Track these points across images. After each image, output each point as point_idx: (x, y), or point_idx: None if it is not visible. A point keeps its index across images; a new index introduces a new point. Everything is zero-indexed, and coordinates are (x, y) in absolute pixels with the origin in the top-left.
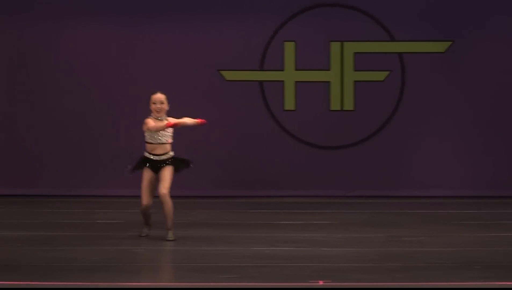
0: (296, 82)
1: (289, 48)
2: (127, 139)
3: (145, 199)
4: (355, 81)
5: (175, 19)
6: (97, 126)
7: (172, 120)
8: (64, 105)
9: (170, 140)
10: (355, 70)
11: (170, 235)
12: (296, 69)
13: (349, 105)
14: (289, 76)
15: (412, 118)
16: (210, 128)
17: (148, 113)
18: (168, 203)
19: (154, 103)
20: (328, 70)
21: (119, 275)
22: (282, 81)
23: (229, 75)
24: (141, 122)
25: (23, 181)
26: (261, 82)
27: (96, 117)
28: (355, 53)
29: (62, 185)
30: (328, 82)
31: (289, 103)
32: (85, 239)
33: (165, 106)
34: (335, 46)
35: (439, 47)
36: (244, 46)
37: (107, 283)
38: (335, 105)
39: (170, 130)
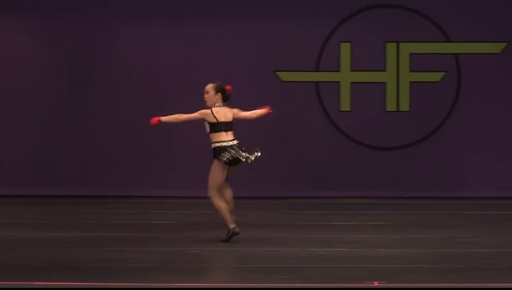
0: (352, 83)
1: (345, 49)
2: (182, 140)
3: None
4: (411, 82)
5: (231, 20)
6: (152, 127)
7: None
8: (120, 106)
9: (207, 130)
10: (411, 71)
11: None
12: (352, 70)
13: (404, 106)
14: (345, 77)
15: (467, 119)
16: (265, 129)
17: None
18: (222, 201)
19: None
20: (384, 71)
21: (175, 276)
22: (338, 82)
23: (285, 76)
24: (196, 124)
25: (78, 182)
26: (317, 83)
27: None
28: (411, 54)
29: (116, 186)
30: (384, 83)
31: (345, 104)
32: (140, 240)
33: (210, 96)
34: (391, 47)
35: (495, 48)
36: (300, 47)
37: (163, 284)
38: (390, 106)
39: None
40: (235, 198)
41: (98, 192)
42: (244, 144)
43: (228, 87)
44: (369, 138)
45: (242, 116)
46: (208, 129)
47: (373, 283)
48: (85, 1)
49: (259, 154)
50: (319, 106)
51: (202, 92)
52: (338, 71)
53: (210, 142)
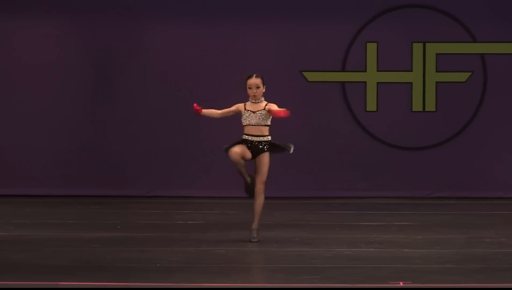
0: (378, 83)
1: (371, 49)
2: (208, 140)
3: (236, 151)
4: (437, 82)
5: (257, 20)
6: (178, 127)
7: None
8: (146, 106)
9: (267, 122)
10: (437, 71)
11: (255, 235)
12: (378, 70)
13: (430, 106)
14: (371, 77)
15: (493, 119)
16: (291, 129)
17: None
18: (260, 198)
19: (250, 88)
20: (410, 71)
21: (200, 276)
22: (364, 82)
23: (311, 76)
24: (222, 123)
25: (104, 182)
26: (343, 83)
27: (177, 118)
28: (437, 54)
29: (142, 186)
30: (410, 83)
31: (371, 104)
32: (166, 240)
33: (261, 90)
34: (417, 47)
35: None
36: (326, 47)
37: (188, 284)
38: (416, 106)
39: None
40: (265, 198)
41: (124, 192)
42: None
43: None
44: (395, 138)
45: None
46: (270, 122)
47: (399, 283)
48: (112, 1)
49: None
50: (345, 106)
51: (228, 92)
52: (365, 71)
53: (264, 134)
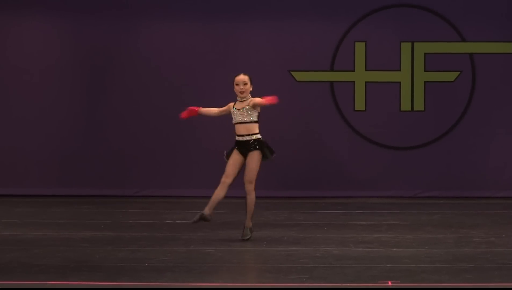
0: (367, 82)
1: (360, 49)
2: (199, 140)
3: (229, 177)
4: (426, 82)
5: (245, 19)
6: (171, 126)
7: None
8: (139, 105)
9: (253, 119)
10: (426, 71)
11: (247, 233)
12: (367, 70)
13: (419, 105)
14: (360, 76)
15: (482, 119)
16: (280, 129)
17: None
18: (250, 197)
19: (237, 84)
20: (399, 70)
21: (189, 275)
22: (353, 82)
23: (299, 75)
24: (217, 122)
25: (94, 182)
26: (331, 83)
27: (170, 118)
28: (426, 53)
29: (132, 186)
30: (399, 82)
31: (360, 104)
32: (156, 239)
33: (248, 87)
34: (405, 47)
35: (510, 47)
36: (315, 46)
37: (177, 284)
38: (405, 105)
39: (248, 107)
40: (256, 197)
41: (114, 192)
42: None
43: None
44: (384, 137)
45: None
46: (256, 118)
47: (388, 283)
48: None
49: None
50: (334, 105)
51: (220, 90)
52: (353, 71)
53: (251, 133)
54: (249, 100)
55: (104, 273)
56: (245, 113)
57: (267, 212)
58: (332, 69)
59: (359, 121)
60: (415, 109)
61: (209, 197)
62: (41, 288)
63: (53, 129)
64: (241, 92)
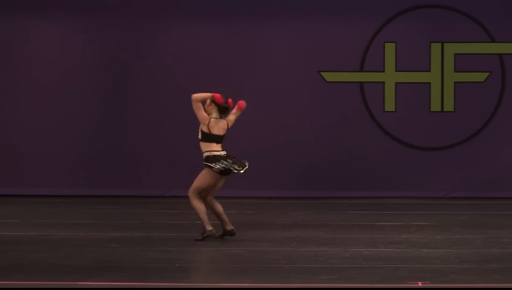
0: (396, 83)
1: (390, 49)
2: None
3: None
4: (455, 82)
5: (275, 21)
6: (195, 127)
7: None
8: (162, 106)
9: (199, 136)
10: (455, 71)
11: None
12: (397, 70)
13: (449, 106)
14: (390, 77)
15: (511, 119)
16: (309, 129)
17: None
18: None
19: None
20: (429, 71)
21: (217, 276)
22: (383, 82)
23: (329, 76)
24: (241, 123)
25: (122, 182)
26: (361, 83)
27: (193, 118)
28: (455, 54)
29: (160, 186)
30: (428, 83)
31: (389, 104)
32: (184, 240)
33: (207, 105)
34: (435, 47)
35: None
36: (345, 47)
37: (206, 284)
38: (435, 106)
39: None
40: (282, 198)
41: (143, 193)
42: (289, 146)
43: (229, 100)
44: (413, 138)
45: (232, 119)
46: (200, 136)
47: (417, 283)
48: (127, 2)
49: (247, 166)
50: (364, 106)
51: (247, 93)
52: (383, 72)
53: (201, 150)
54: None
55: (133, 273)
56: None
57: (296, 213)
58: (362, 70)
59: (388, 121)
60: (445, 109)
61: (235, 198)
62: (70, 288)
63: (79, 130)
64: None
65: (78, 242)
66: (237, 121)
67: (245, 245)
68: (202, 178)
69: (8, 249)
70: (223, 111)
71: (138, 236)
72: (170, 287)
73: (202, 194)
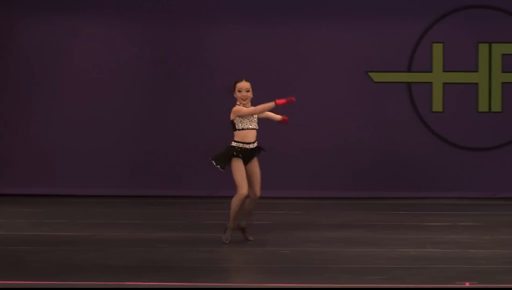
0: (444, 83)
1: (437, 50)
2: (270, 140)
3: (245, 188)
4: (503, 83)
5: (322, 21)
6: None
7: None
8: (203, 107)
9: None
10: (503, 72)
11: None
12: (444, 71)
13: (496, 106)
14: (437, 77)
15: None
16: (356, 129)
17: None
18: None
19: (239, 91)
20: (476, 71)
21: (266, 276)
22: (430, 83)
23: (377, 76)
24: (286, 125)
25: (169, 182)
26: (409, 84)
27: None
28: (503, 54)
29: (207, 186)
30: (476, 83)
31: (437, 105)
32: (232, 240)
33: (251, 94)
34: (483, 48)
35: None
36: (392, 47)
37: (252, 284)
38: (482, 106)
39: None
40: (330, 198)
41: (189, 193)
42: (336, 146)
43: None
44: (461, 138)
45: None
46: (257, 125)
47: (465, 284)
48: (173, 2)
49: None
50: (411, 106)
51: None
52: (431, 72)
53: (256, 140)
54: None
55: (180, 273)
56: (255, 119)
57: (344, 213)
58: (409, 70)
59: (436, 122)
60: (492, 110)
61: (283, 198)
62: (117, 288)
63: (126, 130)
64: (244, 99)
65: (125, 242)
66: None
67: (292, 245)
68: None
69: (57, 250)
70: None
71: (186, 236)
72: (215, 287)
73: (245, 192)
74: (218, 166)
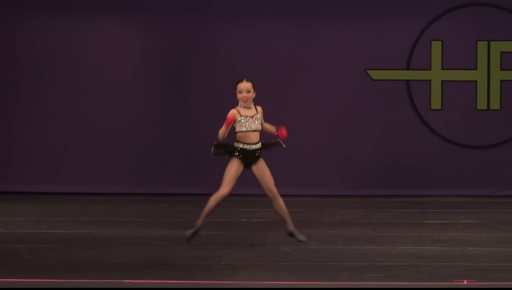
0: (443, 81)
1: (436, 47)
2: (269, 139)
3: (228, 187)
4: (502, 81)
5: (321, 20)
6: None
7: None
8: (219, 105)
9: (259, 127)
10: (502, 70)
11: (300, 235)
12: (443, 68)
13: (495, 104)
14: (436, 75)
15: None
16: (355, 127)
17: (235, 103)
18: (279, 200)
19: (240, 92)
20: (475, 69)
21: (265, 274)
22: (429, 81)
23: (376, 74)
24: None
25: (169, 180)
26: (407, 82)
27: None
28: (502, 52)
29: (207, 184)
30: (475, 81)
31: (436, 103)
32: (231, 238)
33: (252, 95)
34: (481, 46)
35: None
36: (391, 45)
37: (252, 282)
38: (481, 104)
39: (260, 115)
40: (330, 196)
41: (190, 190)
42: (334, 143)
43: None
44: (459, 136)
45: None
46: (260, 126)
47: (463, 282)
48: (181, 2)
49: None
50: (410, 104)
51: (295, 92)
52: (429, 70)
53: (258, 140)
54: (258, 109)
55: (180, 271)
56: (257, 120)
57: (343, 211)
58: (408, 68)
59: (435, 119)
60: (491, 108)
61: (283, 196)
62: (117, 287)
63: (127, 128)
64: (245, 101)
65: (125, 240)
66: (283, 119)
67: (292, 243)
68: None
69: (56, 248)
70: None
71: (185, 234)
72: (216, 285)
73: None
74: (211, 150)
